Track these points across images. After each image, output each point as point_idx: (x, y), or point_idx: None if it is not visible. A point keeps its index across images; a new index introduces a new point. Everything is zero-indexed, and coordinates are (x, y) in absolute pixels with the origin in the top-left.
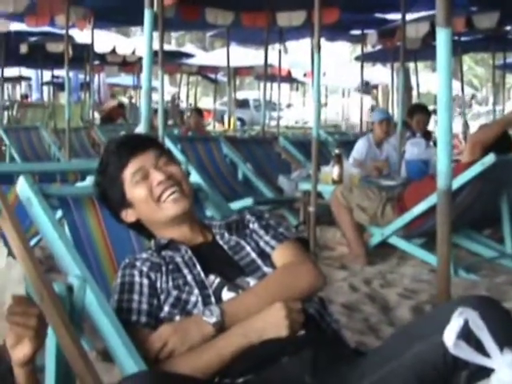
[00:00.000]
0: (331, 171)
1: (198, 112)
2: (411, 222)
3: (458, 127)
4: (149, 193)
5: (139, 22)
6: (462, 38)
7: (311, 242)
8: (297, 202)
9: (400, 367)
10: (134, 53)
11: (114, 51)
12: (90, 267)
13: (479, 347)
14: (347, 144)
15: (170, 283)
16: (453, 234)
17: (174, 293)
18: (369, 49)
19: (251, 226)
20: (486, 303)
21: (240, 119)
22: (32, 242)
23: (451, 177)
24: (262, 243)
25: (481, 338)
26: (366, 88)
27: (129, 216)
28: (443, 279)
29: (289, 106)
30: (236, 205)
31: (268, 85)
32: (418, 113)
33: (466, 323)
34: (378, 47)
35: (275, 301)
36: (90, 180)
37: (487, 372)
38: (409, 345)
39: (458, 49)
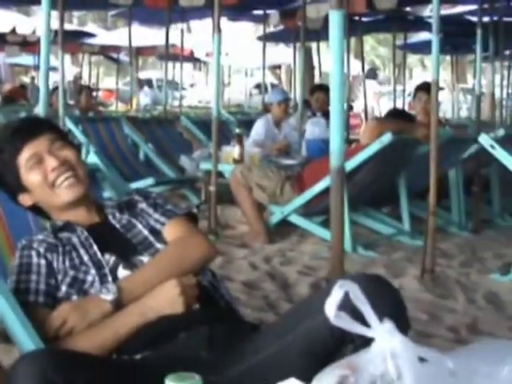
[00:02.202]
0: (232, 151)
1: (88, 90)
2: (310, 201)
3: (360, 106)
4: (43, 178)
5: (40, 0)
6: (363, 19)
7: (212, 220)
8: (198, 181)
9: (293, 342)
10: (34, 32)
11: (14, 31)
12: None
13: (361, 319)
14: (249, 124)
15: (67, 263)
16: (352, 211)
17: (71, 272)
18: (272, 29)
19: (139, 205)
20: (373, 280)
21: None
22: None
23: (344, 155)
24: (152, 221)
25: (361, 309)
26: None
27: (25, 200)
28: (337, 255)
29: (192, 85)
30: (137, 185)
31: (171, 64)
32: (318, 92)
33: (347, 296)
34: (280, 27)
35: (170, 274)
36: None
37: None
38: (301, 320)
39: (359, 29)
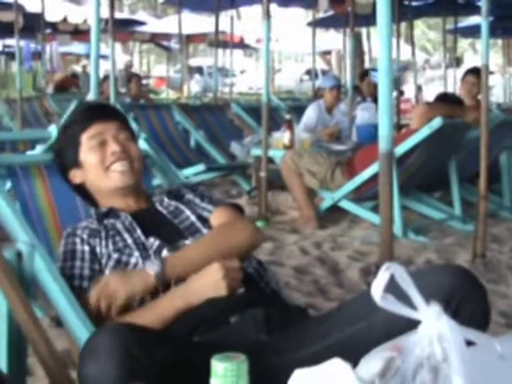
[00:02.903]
0: (282, 136)
1: (138, 77)
2: (361, 186)
3: (411, 91)
4: (101, 160)
5: None
6: (413, 3)
7: (262, 206)
8: (249, 167)
9: (371, 327)
10: (85, 21)
11: (65, 20)
12: (37, 235)
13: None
14: (299, 109)
15: (111, 247)
16: (403, 197)
17: (115, 256)
18: (322, 15)
19: (187, 196)
20: (463, 273)
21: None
22: None
23: (392, 140)
24: (199, 209)
25: (407, 292)
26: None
27: (76, 177)
28: (386, 240)
29: (242, 72)
30: (188, 171)
31: (221, 51)
32: (368, 77)
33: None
34: (330, 13)
35: (214, 255)
36: (39, 149)
37: None
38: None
39: (409, 14)
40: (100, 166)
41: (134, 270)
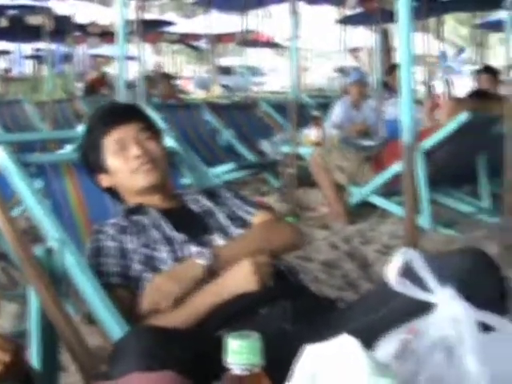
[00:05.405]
0: (311, 133)
1: (168, 78)
2: (389, 181)
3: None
4: (124, 164)
5: None
6: None
7: (292, 203)
8: (278, 165)
9: (391, 312)
10: (113, 23)
11: (94, 22)
12: (68, 232)
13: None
14: (328, 106)
15: (139, 242)
16: (432, 191)
17: (143, 251)
18: (350, 12)
19: (223, 194)
20: (478, 255)
21: (225, 86)
22: (16, 212)
23: (414, 132)
24: (234, 209)
25: (423, 276)
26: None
27: (104, 181)
28: (409, 232)
29: (273, 71)
30: (218, 170)
31: (252, 51)
32: (396, 71)
33: (410, 263)
34: (359, 10)
35: (259, 249)
36: (68, 148)
37: None
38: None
39: (438, 9)
40: (124, 169)
41: (183, 263)
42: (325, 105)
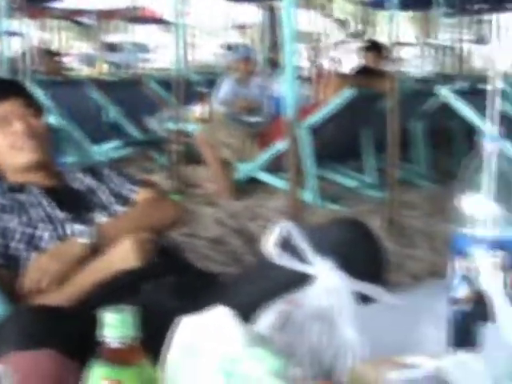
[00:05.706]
0: (197, 110)
1: (51, 54)
2: (275, 157)
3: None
4: (5, 139)
5: None
6: None
7: (177, 180)
8: (165, 142)
9: (272, 284)
10: None
11: None
12: None
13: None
14: (215, 83)
15: (21, 221)
16: (318, 166)
17: (25, 230)
18: None
19: (105, 172)
20: (353, 224)
21: (112, 63)
22: None
23: (297, 109)
24: (117, 187)
25: (302, 249)
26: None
27: None
28: (293, 205)
29: (161, 47)
30: (104, 147)
31: (140, 27)
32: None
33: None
34: None
35: (140, 226)
36: None
37: None
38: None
39: None
40: (5, 145)
41: (65, 242)
42: (212, 81)
